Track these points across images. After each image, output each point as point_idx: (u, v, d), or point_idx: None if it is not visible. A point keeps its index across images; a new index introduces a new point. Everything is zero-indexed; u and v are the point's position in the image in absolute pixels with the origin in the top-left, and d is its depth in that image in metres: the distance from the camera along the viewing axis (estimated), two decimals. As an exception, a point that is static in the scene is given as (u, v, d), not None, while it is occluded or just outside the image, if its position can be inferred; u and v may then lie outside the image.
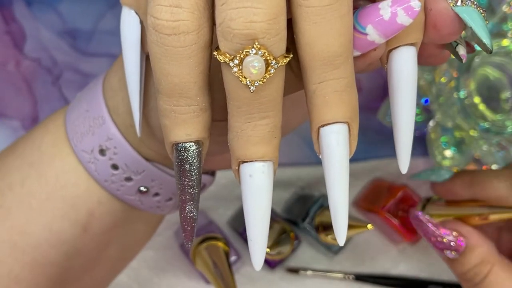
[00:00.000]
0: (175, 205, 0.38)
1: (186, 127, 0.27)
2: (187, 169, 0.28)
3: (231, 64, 0.25)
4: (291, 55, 0.26)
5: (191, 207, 0.28)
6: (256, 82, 0.25)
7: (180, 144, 0.28)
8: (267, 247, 0.28)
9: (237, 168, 0.27)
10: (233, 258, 0.50)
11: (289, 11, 0.25)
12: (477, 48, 0.29)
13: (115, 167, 0.35)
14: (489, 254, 0.39)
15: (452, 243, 0.39)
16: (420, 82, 0.49)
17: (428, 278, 0.51)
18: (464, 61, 0.29)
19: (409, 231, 0.50)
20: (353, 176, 0.42)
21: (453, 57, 0.30)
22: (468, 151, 0.50)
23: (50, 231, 0.36)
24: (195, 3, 0.25)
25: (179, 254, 0.51)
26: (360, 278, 0.51)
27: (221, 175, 0.50)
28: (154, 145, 0.35)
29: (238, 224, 0.51)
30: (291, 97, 0.29)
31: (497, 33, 0.48)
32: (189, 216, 0.29)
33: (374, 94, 0.53)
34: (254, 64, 0.25)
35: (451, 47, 0.29)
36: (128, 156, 0.35)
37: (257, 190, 0.27)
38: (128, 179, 0.35)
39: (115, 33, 0.41)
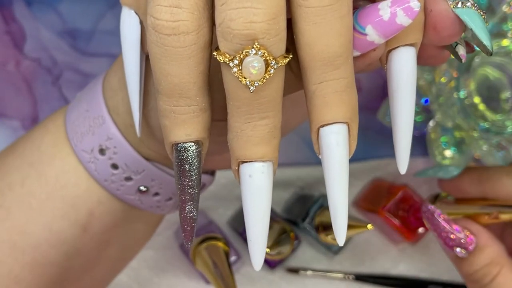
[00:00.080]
0: (175, 205, 0.38)
1: (185, 127, 0.27)
2: (187, 169, 0.28)
3: (231, 64, 0.25)
4: (291, 56, 0.26)
5: (191, 207, 0.28)
6: (255, 82, 0.25)
7: (180, 144, 0.28)
8: (267, 247, 0.28)
9: (236, 168, 0.27)
10: (233, 258, 0.50)
11: (288, 11, 0.25)
12: (477, 48, 0.29)
13: (115, 166, 0.35)
14: (499, 255, 0.39)
15: (462, 240, 0.39)
16: (420, 82, 0.49)
17: (428, 278, 0.51)
18: (463, 61, 0.29)
19: (410, 231, 0.50)
20: (353, 176, 0.42)
21: (453, 57, 0.30)
22: (468, 151, 0.50)
23: (50, 231, 0.36)
24: (195, 3, 0.25)
25: (179, 254, 0.51)
26: (360, 278, 0.51)
27: (220, 175, 0.50)
28: (154, 145, 0.35)
29: (238, 224, 0.51)
30: (291, 97, 0.29)
31: (497, 33, 0.48)
32: (189, 216, 0.29)
33: (374, 94, 0.53)
34: (253, 65, 0.25)
35: (451, 47, 0.29)
36: (128, 155, 0.35)
37: (257, 190, 0.27)
38: (128, 178, 0.35)
39: (115, 33, 0.41)
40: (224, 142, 0.27)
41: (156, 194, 0.36)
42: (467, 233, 0.39)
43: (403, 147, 0.28)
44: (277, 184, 0.50)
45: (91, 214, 0.36)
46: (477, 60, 0.49)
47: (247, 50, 0.24)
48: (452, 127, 0.50)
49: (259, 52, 0.24)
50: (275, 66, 0.25)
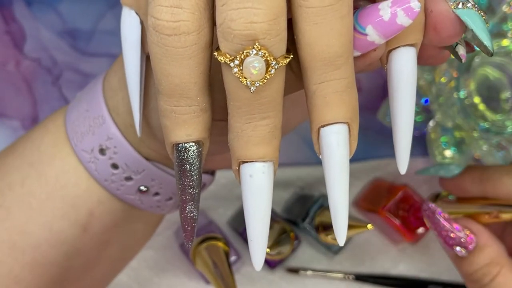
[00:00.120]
0: (175, 205, 0.38)
1: (186, 127, 0.27)
2: (188, 169, 0.28)
3: (232, 64, 0.25)
4: (292, 56, 0.26)
5: (191, 207, 0.28)
6: (256, 82, 0.25)
7: (180, 145, 0.28)
8: (267, 247, 0.28)
9: (237, 168, 0.27)
10: (233, 258, 0.50)
11: (289, 11, 0.25)
12: (477, 48, 0.29)
13: (115, 166, 0.35)
14: (499, 255, 0.39)
15: (462, 239, 0.39)
16: (420, 82, 0.49)
17: (428, 278, 0.51)
18: (463, 61, 0.29)
19: (410, 231, 0.50)
20: (353, 176, 0.42)
21: (453, 57, 0.30)
22: (468, 151, 0.50)
23: (50, 231, 0.36)
24: (196, 3, 0.25)
25: (179, 254, 0.51)
26: (360, 278, 0.51)
27: (221, 175, 0.50)
28: (154, 145, 0.35)
29: (238, 224, 0.51)
30: (291, 97, 0.29)
31: (497, 33, 0.48)
32: (189, 216, 0.29)
33: (374, 94, 0.53)
34: (254, 65, 0.25)
35: (451, 47, 0.29)
36: (128, 155, 0.35)
37: (257, 190, 0.27)
38: (128, 178, 0.35)
39: (115, 33, 0.41)
40: (225, 142, 0.27)
41: (156, 194, 0.36)
42: (467, 232, 0.39)
43: (403, 147, 0.28)
44: (277, 184, 0.50)
45: (91, 214, 0.36)
46: (477, 60, 0.49)
47: (248, 51, 0.24)
48: (452, 127, 0.50)
49: (260, 53, 0.24)
50: (276, 67, 0.25)
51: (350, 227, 0.31)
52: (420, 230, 0.50)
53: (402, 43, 0.27)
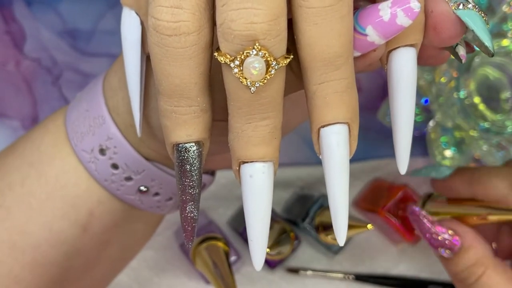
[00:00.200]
0: (175, 205, 0.38)
1: (186, 127, 0.27)
2: (188, 169, 0.28)
3: (232, 65, 0.25)
4: (292, 56, 0.26)
5: (191, 208, 0.28)
6: (256, 83, 0.25)
7: (180, 145, 0.28)
8: (267, 247, 0.28)
9: (237, 168, 0.27)
10: (233, 258, 0.50)
11: (289, 12, 0.25)
12: (477, 48, 0.29)
13: (115, 166, 0.35)
14: (483, 256, 0.39)
15: (447, 241, 0.39)
16: (420, 82, 0.49)
17: (428, 278, 0.51)
18: (463, 61, 0.29)
19: (409, 231, 0.50)
20: (353, 176, 0.42)
21: (453, 57, 0.30)
22: (468, 151, 0.50)
23: (50, 231, 0.36)
24: (196, 4, 0.25)
25: (179, 254, 0.51)
26: (360, 278, 0.51)
27: (221, 175, 0.50)
28: (154, 145, 0.35)
29: (238, 224, 0.51)
30: (291, 97, 0.29)
31: (497, 33, 0.48)
32: (189, 216, 0.29)
33: (374, 94, 0.53)
34: (254, 65, 0.25)
35: (451, 48, 0.29)
36: (128, 155, 0.35)
37: (258, 191, 0.27)
38: (128, 178, 0.35)
39: (115, 33, 0.41)
40: (225, 142, 0.27)
41: (156, 194, 0.36)
42: (452, 233, 0.39)
43: (403, 147, 0.28)
44: (277, 184, 0.50)
45: (91, 214, 0.36)
46: (477, 60, 0.49)
47: (248, 51, 0.24)
48: (452, 127, 0.50)
49: (260, 53, 0.24)
50: (276, 67, 0.25)
51: (350, 227, 0.31)
52: (420, 230, 0.50)
53: (402, 43, 0.27)
